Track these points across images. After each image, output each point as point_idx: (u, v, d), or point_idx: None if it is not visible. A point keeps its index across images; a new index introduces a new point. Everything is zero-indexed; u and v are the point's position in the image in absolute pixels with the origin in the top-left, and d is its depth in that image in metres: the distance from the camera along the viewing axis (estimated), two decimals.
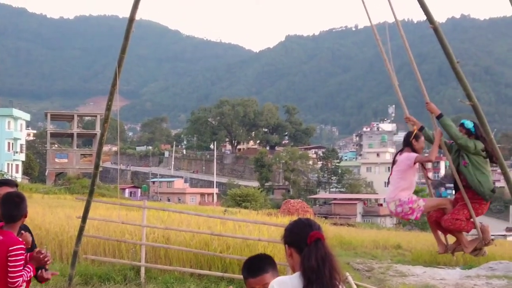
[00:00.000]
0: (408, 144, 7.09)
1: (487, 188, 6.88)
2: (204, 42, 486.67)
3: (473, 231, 7.25)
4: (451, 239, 7.60)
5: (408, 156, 6.97)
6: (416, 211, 6.99)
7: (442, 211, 7.18)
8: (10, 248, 4.56)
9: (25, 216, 4.97)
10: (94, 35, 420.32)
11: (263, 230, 14.80)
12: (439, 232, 7.46)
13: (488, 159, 6.98)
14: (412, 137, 7.06)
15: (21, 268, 4.61)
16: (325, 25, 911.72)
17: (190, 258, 13.32)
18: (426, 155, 7.30)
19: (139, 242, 12.92)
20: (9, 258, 4.54)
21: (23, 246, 4.68)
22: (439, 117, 6.88)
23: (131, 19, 7.94)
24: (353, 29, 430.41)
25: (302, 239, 3.12)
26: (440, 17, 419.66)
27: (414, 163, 6.96)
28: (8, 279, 4.52)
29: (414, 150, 7.06)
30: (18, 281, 4.57)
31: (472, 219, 7.00)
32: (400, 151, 7.23)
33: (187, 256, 13.32)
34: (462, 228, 7.03)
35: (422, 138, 7.12)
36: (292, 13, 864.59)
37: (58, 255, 13.63)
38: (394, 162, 7.23)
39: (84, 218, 10.40)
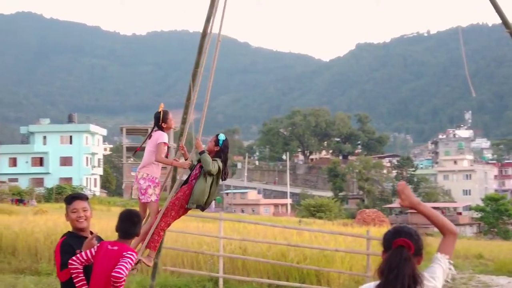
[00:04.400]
0: (159, 127, 7.37)
1: (197, 199, 7.03)
2: (273, 53, 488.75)
3: None
4: None
5: (159, 138, 7.20)
6: (146, 196, 7.06)
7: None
8: (124, 253, 4.73)
9: (138, 235, 5.33)
10: (166, 50, 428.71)
11: (340, 240, 14.68)
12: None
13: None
14: (161, 121, 7.33)
15: (126, 271, 4.69)
16: (396, 32, 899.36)
17: (267, 269, 13.31)
18: (174, 159, 7.59)
19: (216, 254, 13.01)
20: (121, 259, 4.68)
21: (135, 254, 4.94)
22: (201, 153, 7.10)
23: (204, 34, 8.05)
24: (425, 34, 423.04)
25: (390, 246, 3.24)
26: None
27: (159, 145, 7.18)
28: (112, 279, 4.59)
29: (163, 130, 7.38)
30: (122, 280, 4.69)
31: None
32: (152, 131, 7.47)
33: (264, 267, 13.32)
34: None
35: (170, 116, 7.45)
36: (362, 21, 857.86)
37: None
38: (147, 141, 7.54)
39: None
